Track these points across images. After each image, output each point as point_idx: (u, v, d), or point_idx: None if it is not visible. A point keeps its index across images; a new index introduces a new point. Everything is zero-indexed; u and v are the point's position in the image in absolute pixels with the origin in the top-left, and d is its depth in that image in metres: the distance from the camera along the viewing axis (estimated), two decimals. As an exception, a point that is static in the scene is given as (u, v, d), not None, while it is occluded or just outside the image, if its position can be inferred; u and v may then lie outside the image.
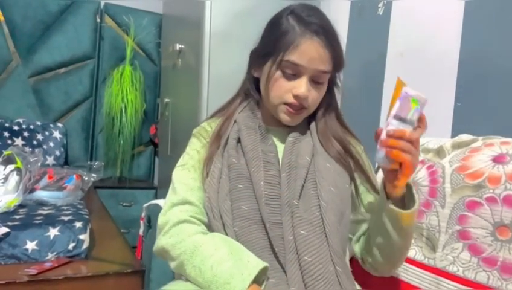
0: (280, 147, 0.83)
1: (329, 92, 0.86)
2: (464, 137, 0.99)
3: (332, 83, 0.86)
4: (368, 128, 0.89)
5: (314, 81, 0.79)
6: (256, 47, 0.86)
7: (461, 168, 0.91)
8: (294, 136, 0.84)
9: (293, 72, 0.77)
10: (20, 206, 1.41)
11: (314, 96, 0.80)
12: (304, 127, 0.86)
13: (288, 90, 0.78)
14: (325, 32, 0.76)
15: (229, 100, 0.93)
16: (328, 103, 0.86)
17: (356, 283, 0.79)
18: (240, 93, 0.92)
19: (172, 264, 0.74)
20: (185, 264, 0.70)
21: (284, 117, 0.81)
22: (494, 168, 0.85)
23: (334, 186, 0.76)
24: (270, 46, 0.79)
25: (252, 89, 0.89)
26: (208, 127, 0.90)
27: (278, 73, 0.78)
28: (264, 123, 0.86)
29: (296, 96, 0.78)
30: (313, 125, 0.86)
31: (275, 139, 0.85)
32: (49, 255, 1.15)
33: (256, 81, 0.87)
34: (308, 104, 0.80)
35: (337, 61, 0.79)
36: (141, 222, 1.30)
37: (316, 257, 0.69)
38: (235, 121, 0.85)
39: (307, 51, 0.75)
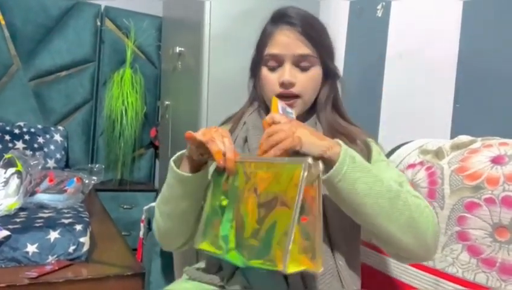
0: None
1: (328, 84, 0.85)
2: (463, 138, 0.99)
3: (328, 74, 0.85)
4: (367, 130, 0.90)
5: (299, 67, 0.80)
6: (252, 55, 0.90)
7: (460, 170, 0.91)
8: None
9: (275, 64, 0.81)
10: (21, 209, 1.41)
11: (302, 81, 0.80)
12: (311, 126, 0.85)
13: (276, 80, 0.81)
14: (299, 21, 0.79)
15: (241, 108, 0.95)
16: (326, 95, 0.86)
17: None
18: (250, 100, 0.94)
19: (160, 225, 0.81)
20: (160, 209, 0.81)
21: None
22: (492, 169, 0.85)
23: None
24: (256, 51, 0.86)
25: (258, 95, 0.90)
26: None
27: (264, 69, 0.83)
28: None
29: (282, 84, 0.79)
30: (318, 123, 0.86)
31: None
32: (50, 258, 1.16)
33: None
34: (299, 91, 0.80)
35: (321, 47, 0.81)
36: (141, 224, 1.30)
37: None
38: (245, 123, 0.88)
39: (281, 39, 0.79)
